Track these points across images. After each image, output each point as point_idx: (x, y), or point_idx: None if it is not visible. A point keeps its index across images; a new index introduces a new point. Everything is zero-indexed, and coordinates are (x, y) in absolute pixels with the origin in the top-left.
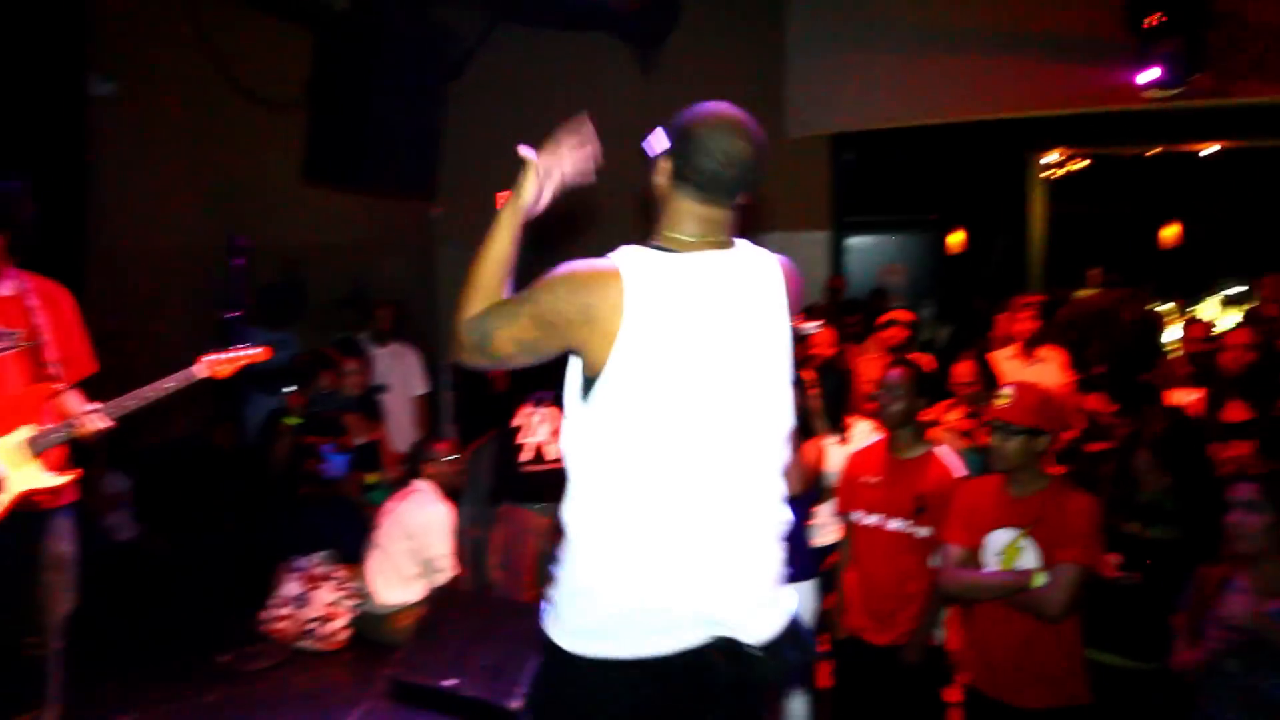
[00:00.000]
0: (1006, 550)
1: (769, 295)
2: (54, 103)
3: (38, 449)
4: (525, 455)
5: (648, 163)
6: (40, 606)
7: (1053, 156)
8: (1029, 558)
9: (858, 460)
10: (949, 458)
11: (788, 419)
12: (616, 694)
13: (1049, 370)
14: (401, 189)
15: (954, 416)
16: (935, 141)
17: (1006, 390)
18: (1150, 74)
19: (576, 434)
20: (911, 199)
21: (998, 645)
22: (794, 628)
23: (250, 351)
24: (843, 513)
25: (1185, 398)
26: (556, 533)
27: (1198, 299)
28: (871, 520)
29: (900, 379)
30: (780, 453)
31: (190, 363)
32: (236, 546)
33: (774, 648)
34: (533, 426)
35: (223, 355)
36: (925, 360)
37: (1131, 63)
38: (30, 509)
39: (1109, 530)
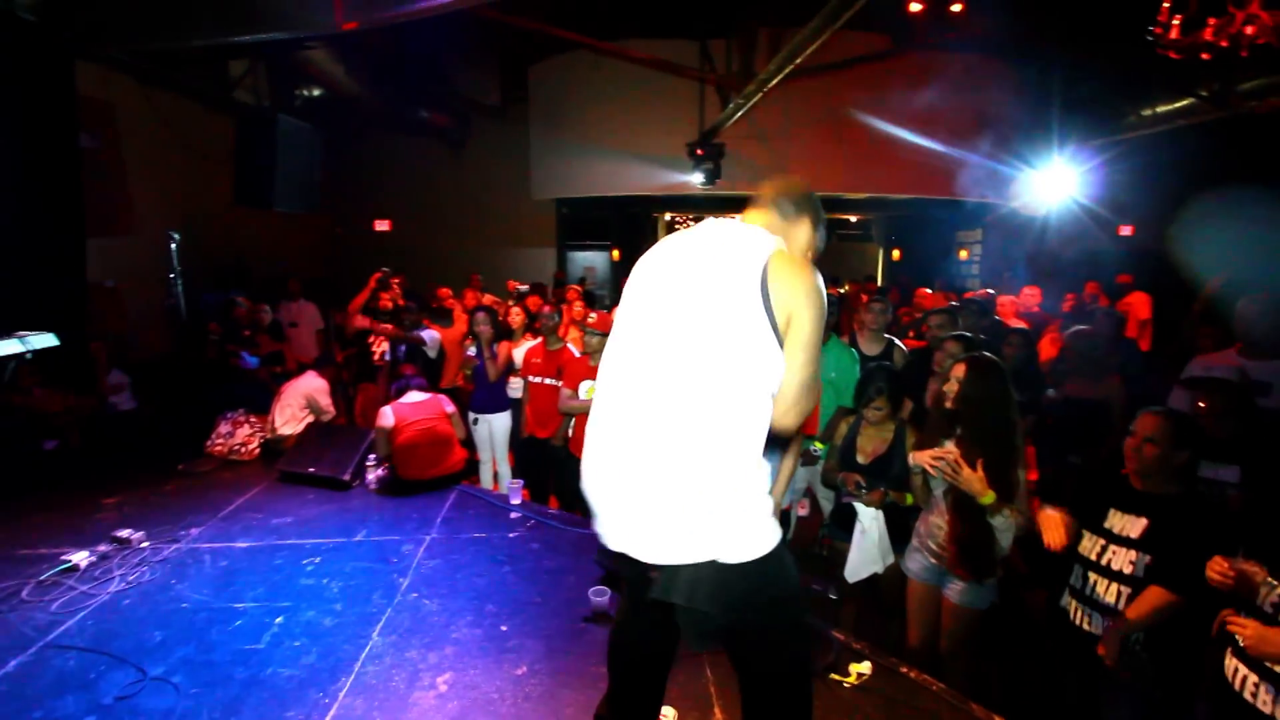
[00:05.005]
0: (589, 391)
1: (729, 266)
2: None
3: None
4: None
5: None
6: None
7: (667, 216)
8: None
9: (531, 351)
10: (573, 348)
11: (728, 370)
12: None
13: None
14: (297, 209)
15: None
16: (611, 203)
17: (591, 319)
18: (697, 178)
19: None
20: (599, 233)
21: (584, 431)
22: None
23: None
24: (524, 377)
25: None
26: None
27: None
28: (537, 380)
29: (550, 313)
30: (722, 399)
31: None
32: (192, 408)
33: (670, 577)
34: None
35: None
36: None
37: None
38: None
39: None
